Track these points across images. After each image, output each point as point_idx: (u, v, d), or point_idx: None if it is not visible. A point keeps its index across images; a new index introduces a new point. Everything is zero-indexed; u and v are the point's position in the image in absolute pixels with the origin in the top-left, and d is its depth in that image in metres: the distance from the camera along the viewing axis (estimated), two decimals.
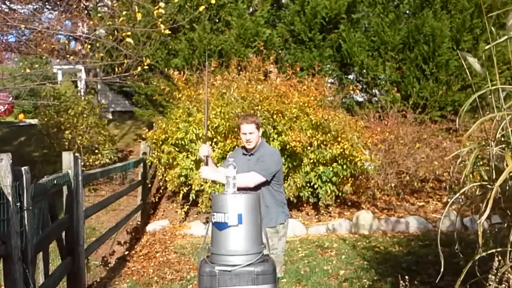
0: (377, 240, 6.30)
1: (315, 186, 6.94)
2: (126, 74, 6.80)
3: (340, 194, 7.23)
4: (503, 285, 2.40)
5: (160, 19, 6.10)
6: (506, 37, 2.63)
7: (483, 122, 2.68)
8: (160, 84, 8.60)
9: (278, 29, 10.00)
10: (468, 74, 3.77)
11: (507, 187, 2.62)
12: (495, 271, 2.35)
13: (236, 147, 4.38)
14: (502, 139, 2.71)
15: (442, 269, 2.63)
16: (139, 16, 6.07)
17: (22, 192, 2.92)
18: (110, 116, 15.66)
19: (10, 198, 2.76)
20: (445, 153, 7.26)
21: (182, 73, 7.97)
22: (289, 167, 6.84)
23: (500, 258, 2.45)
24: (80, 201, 4.31)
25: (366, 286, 4.43)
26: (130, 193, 7.39)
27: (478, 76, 7.77)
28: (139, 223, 7.26)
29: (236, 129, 6.68)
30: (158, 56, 9.65)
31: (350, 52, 9.56)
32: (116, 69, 6.95)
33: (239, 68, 8.19)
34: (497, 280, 2.36)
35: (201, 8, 6.88)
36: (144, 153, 7.80)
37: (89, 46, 7.26)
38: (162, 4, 5.83)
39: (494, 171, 2.70)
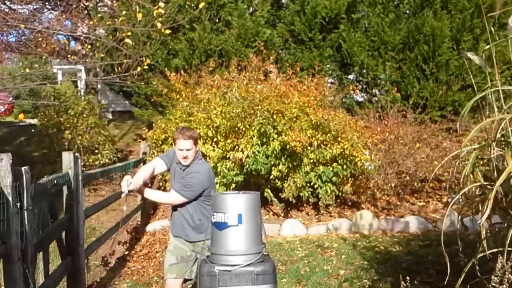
0: (377, 240, 6.30)
1: (315, 186, 6.94)
2: (126, 74, 6.80)
3: (340, 194, 7.23)
4: (504, 286, 2.40)
5: (160, 19, 6.09)
6: (506, 37, 2.63)
7: (484, 123, 2.68)
8: (158, 84, 8.60)
9: (278, 29, 10.00)
10: (470, 73, 3.77)
11: (507, 187, 2.62)
12: (498, 273, 2.35)
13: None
14: (502, 139, 2.71)
15: (447, 269, 2.63)
16: (139, 16, 6.07)
17: (22, 192, 2.91)
18: (110, 116, 15.65)
19: (10, 198, 2.76)
20: (445, 153, 7.25)
21: (180, 74, 7.97)
22: (289, 167, 6.84)
23: (501, 258, 2.45)
24: (80, 201, 4.31)
25: (366, 286, 4.43)
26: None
27: (479, 76, 7.78)
28: (139, 223, 7.26)
29: (236, 128, 6.69)
30: (158, 56, 9.65)
31: (350, 52, 9.56)
32: (116, 69, 6.95)
33: (239, 68, 8.19)
34: (498, 280, 2.36)
35: (201, 5, 6.88)
36: (144, 153, 7.80)
37: (89, 46, 7.26)
38: (161, 4, 5.83)
39: (494, 171, 2.70)
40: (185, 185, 3.32)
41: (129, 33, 6.20)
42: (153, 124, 8.03)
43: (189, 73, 8.27)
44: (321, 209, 7.30)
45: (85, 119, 9.13)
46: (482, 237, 2.46)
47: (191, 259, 3.48)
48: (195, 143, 3.36)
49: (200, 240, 3.27)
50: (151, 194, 3.52)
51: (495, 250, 2.61)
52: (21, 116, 19.45)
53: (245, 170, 6.69)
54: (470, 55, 2.85)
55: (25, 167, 2.99)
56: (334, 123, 6.63)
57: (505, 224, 2.94)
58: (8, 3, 8.92)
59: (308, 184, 6.97)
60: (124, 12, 7.24)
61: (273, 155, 6.64)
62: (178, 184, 3.35)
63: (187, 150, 3.29)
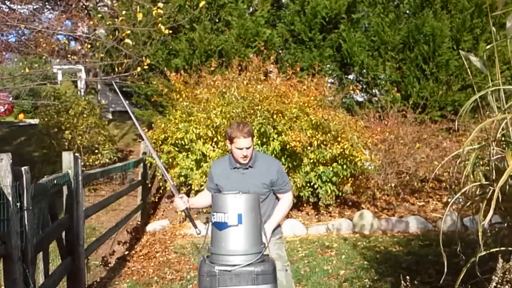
0: (377, 240, 6.30)
1: (315, 186, 6.94)
2: (126, 74, 6.79)
3: (340, 194, 7.23)
4: (505, 286, 2.39)
5: (160, 19, 6.09)
6: (506, 37, 2.62)
7: (485, 123, 2.68)
8: (159, 84, 8.60)
9: (278, 29, 10.00)
10: (469, 73, 3.77)
11: (507, 187, 2.62)
12: (498, 272, 2.35)
13: (215, 161, 3.76)
14: (503, 138, 2.71)
15: (445, 269, 2.63)
16: (139, 17, 6.06)
17: (22, 192, 2.91)
18: (110, 116, 15.66)
19: (10, 198, 2.76)
20: (445, 153, 7.25)
21: (180, 74, 7.97)
22: (289, 167, 6.84)
23: (501, 258, 2.45)
24: (80, 201, 4.31)
25: (366, 286, 4.43)
26: (130, 193, 7.39)
27: (478, 76, 7.78)
28: (139, 223, 7.26)
29: None
30: (159, 56, 9.65)
31: (350, 52, 9.56)
32: (116, 69, 6.95)
33: (240, 68, 8.19)
34: (498, 280, 2.36)
35: (201, 4, 6.87)
36: (144, 153, 7.79)
37: (89, 46, 7.26)
38: (160, 4, 5.82)
39: (494, 171, 2.70)
40: (286, 183, 3.18)
41: (129, 32, 6.19)
42: (153, 124, 8.03)
43: (189, 73, 8.27)
44: (321, 209, 7.30)
45: (85, 119, 9.13)
46: (482, 237, 2.46)
47: None
48: (253, 139, 3.12)
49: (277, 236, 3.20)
50: (278, 218, 3.20)
51: (495, 250, 2.61)
52: (21, 116, 19.45)
53: None
54: (469, 56, 2.85)
55: (25, 167, 2.99)
56: (334, 123, 6.63)
57: (505, 224, 2.95)
58: (8, 3, 8.92)
59: (308, 184, 6.97)
60: (124, 12, 7.23)
61: (273, 155, 6.63)
62: (279, 187, 3.13)
63: (248, 148, 3.03)
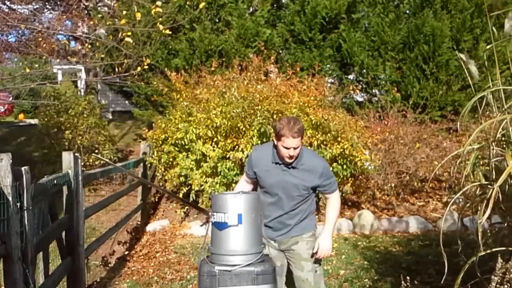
0: (377, 240, 6.30)
1: None
2: (126, 74, 6.80)
3: (340, 194, 7.22)
4: (505, 286, 2.39)
5: (160, 19, 6.09)
6: (506, 38, 2.63)
7: (485, 124, 2.68)
8: (159, 84, 8.61)
9: (278, 29, 10.00)
10: (468, 74, 3.77)
11: (507, 187, 2.62)
12: (498, 272, 2.35)
13: (258, 146, 3.61)
14: (503, 138, 2.71)
15: (446, 269, 2.63)
16: (138, 16, 6.05)
17: (22, 192, 2.91)
18: (110, 116, 15.67)
19: (10, 198, 2.76)
20: (445, 153, 7.26)
21: (181, 74, 7.97)
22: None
23: (501, 258, 2.45)
24: (80, 201, 4.31)
25: (366, 286, 4.43)
26: (130, 193, 7.39)
27: (478, 76, 7.77)
28: (139, 223, 7.26)
29: (236, 128, 6.69)
30: (159, 56, 9.65)
31: (350, 52, 9.56)
32: (116, 69, 6.95)
33: (240, 68, 8.20)
34: (498, 280, 2.36)
35: (201, 5, 6.87)
36: (144, 153, 7.80)
37: (89, 46, 7.26)
38: (159, 3, 5.80)
39: (494, 171, 2.70)
40: (333, 184, 3.02)
41: (129, 33, 6.19)
42: (153, 124, 8.03)
43: (189, 73, 8.27)
44: (321, 209, 7.30)
45: (85, 119, 9.14)
46: (481, 237, 2.46)
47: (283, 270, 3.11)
48: (302, 138, 2.87)
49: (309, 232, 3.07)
50: (334, 219, 3.13)
51: (495, 250, 2.61)
52: (21, 116, 19.46)
53: None
54: (465, 58, 2.86)
55: (25, 167, 2.99)
56: (334, 123, 6.63)
57: (505, 224, 2.95)
58: (8, 3, 8.93)
59: None
60: (124, 12, 7.24)
61: None
62: (326, 188, 2.98)
63: (295, 148, 2.80)
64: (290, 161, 2.86)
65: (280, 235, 3.03)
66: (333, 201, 3.08)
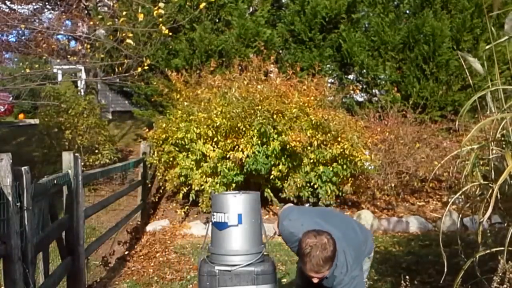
0: (377, 240, 6.30)
1: (315, 186, 6.94)
2: (126, 74, 6.80)
3: (340, 194, 7.22)
4: (505, 286, 2.40)
5: (161, 19, 6.09)
6: (506, 37, 2.62)
7: (483, 123, 2.68)
8: (159, 84, 8.61)
9: (278, 29, 10.00)
10: (468, 74, 3.78)
11: (507, 187, 2.62)
12: (498, 272, 2.35)
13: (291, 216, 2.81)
14: (502, 138, 2.71)
15: (445, 269, 2.63)
16: (140, 17, 6.06)
17: (22, 192, 2.91)
18: (110, 116, 15.67)
19: (10, 198, 2.76)
20: (445, 153, 7.25)
21: (181, 74, 7.97)
22: (289, 167, 6.84)
23: (501, 258, 2.45)
24: (80, 201, 4.31)
25: (366, 286, 4.43)
26: (130, 193, 7.39)
27: (478, 76, 7.77)
28: (139, 223, 7.26)
29: (237, 128, 6.69)
30: (159, 56, 9.65)
31: (350, 52, 9.56)
32: (116, 69, 6.95)
33: (240, 68, 8.20)
34: (498, 280, 2.36)
35: (202, 6, 6.87)
36: (144, 153, 7.80)
37: (89, 46, 7.26)
38: (161, 4, 5.81)
39: (493, 171, 2.70)
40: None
41: (130, 34, 6.19)
42: (154, 124, 8.03)
43: (189, 73, 8.27)
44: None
45: (86, 119, 9.13)
46: (481, 237, 2.46)
47: None
48: (332, 264, 2.39)
49: None
50: None
51: (495, 250, 2.61)
52: (21, 116, 19.47)
53: (245, 170, 6.70)
54: (466, 56, 2.86)
55: (25, 167, 2.99)
56: (334, 123, 6.63)
57: (505, 224, 2.95)
58: (8, 3, 8.93)
59: (308, 184, 6.97)
60: (124, 13, 7.23)
61: (273, 155, 6.64)
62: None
63: (318, 278, 2.42)
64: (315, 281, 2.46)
65: None
66: None
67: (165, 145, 7.07)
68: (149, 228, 7.15)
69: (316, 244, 2.31)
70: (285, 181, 6.88)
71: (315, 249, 2.31)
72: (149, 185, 8.22)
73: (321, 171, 6.85)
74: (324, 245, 2.33)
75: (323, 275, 2.39)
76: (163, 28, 5.99)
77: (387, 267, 4.93)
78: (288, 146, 6.57)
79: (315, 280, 2.42)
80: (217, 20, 9.97)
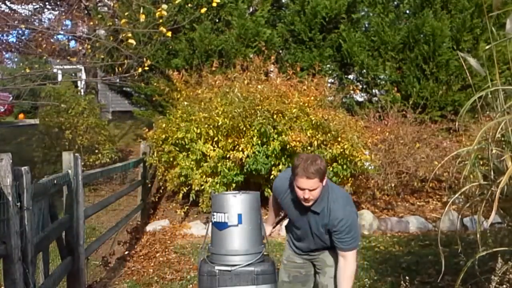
0: (377, 240, 6.30)
1: None
2: (127, 74, 6.80)
3: None
4: (504, 286, 2.40)
5: (161, 20, 6.09)
6: (506, 38, 2.62)
7: (484, 124, 2.68)
8: (160, 84, 8.61)
9: (278, 29, 9.99)
10: (468, 74, 3.78)
11: (506, 187, 2.62)
12: (498, 272, 2.35)
13: (282, 174, 3.12)
14: (502, 139, 2.71)
15: (443, 269, 2.63)
16: (142, 18, 6.05)
17: (22, 192, 2.91)
18: (110, 116, 15.67)
19: (10, 198, 2.76)
20: (445, 153, 7.26)
21: (181, 73, 7.98)
22: (289, 167, 6.83)
23: (501, 258, 2.45)
24: (80, 201, 4.31)
25: (366, 286, 4.43)
26: (130, 193, 7.40)
27: (478, 76, 7.78)
28: (139, 223, 7.26)
29: (238, 128, 6.69)
30: (159, 56, 9.65)
31: (350, 52, 9.55)
32: (117, 70, 6.95)
33: (241, 68, 8.20)
34: (498, 280, 2.36)
35: (203, 10, 6.88)
36: (144, 153, 7.80)
37: (88, 46, 7.26)
38: (164, 6, 5.80)
39: (493, 171, 2.70)
40: (351, 241, 2.61)
41: (130, 34, 6.19)
42: (154, 124, 8.03)
43: (190, 73, 8.27)
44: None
45: (86, 119, 9.14)
46: (481, 237, 2.46)
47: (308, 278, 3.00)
48: (322, 180, 2.52)
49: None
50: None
51: (495, 250, 2.61)
52: (21, 116, 19.48)
53: (245, 170, 6.70)
54: (466, 57, 2.86)
55: (25, 167, 2.99)
56: (334, 123, 6.63)
57: (505, 224, 2.95)
58: (8, 3, 8.93)
59: None
60: (126, 13, 7.22)
61: (273, 155, 6.64)
62: (342, 245, 2.60)
63: (310, 190, 2.51)
64: (307, 204, 2.58)
65: (308, 254, 2.98)
66: (346, 265, 2.61)
67: (165, 145, 7.07)
68: (149, 228, 7.15)
69: (308, 157, 2.53)
70: None
71: (306, 159, 2.51)
72: (149, 185, 8.23)
73: None
74: (315, 157, 2.53)
75: (316, 185, 2.48)
76: (164, 29, 5.98)
77: (387, 267, 4.93)
78: (288, 146, 6.57)
79: (306, 195, 2.51)
80: (217, 20, 9.97)
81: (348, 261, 2.61)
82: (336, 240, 2.63)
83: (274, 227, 3.27)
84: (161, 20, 5.95)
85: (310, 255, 2.96)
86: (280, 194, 2.82)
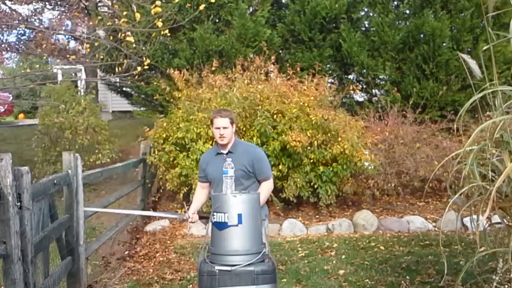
0: (377, 240, 6.30)
1: (315, 186, 6.94)
2: (126, 74, 6.80)
3: (340, 193, 7.22)
4: (505, 286, 2.40)
5: (160, 19, 6.09)
6: (505, 38, 2.63)
7: (484, 125, 2.68)
8: (160, 84, 8.60)
9: (278, 29, 9.99)
10: (468, 74, 3.77)
11: (505, 187, 2.62)
12: (498, 272, 2.35)
13: (211, 149, 3.95)
14: (501, 139, 2.71)
15: (445, 269, 2.64)
16: (138, 17, 6.05)
17: (22, 192, 2.92)
18: (110, 116, 15.66)
19: (10, 198, 2.76)
20: (445, 153, 7.25)
21: (182, 73, 7.98)
22: (289, 167, 6.84)
23: (501, 258, 2.46)
24: (80, 201, 4.31)
25: (366, 286, 4.43)
26: (130, 193, 7.39)
27: (481, 74, 7.77)
28: (139, 223, 7.26)
29: (238, 128, 6.68)
30: (158, 56, 9.64)
31: (350, 52, 9.55)
32: (116, 69, 6.95)
33: (242, 68, 8.20)
34: (499, 280, 2.36)
35: (201, 7, 6.87)
36: (144, 153, 7.80)
37: (87, 46, 7.26)
38: (158, 2, 5.79)
39: (492, 171, 2.70)
40: (267, 169, 3.43)
41: (129, 33, 6.19)
42: (154, 123, 8.03)
43: (190, 73, 8.27)
44: (321, 209, 7.30)
45: (86, 119, 9.13)
46: (480, 237, 2.46)
47: None
48: (232, 123, 3.36)
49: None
50: (263, 199, 3.38)
51: (495, 250, 2.61)
52: (21, 116, 19.47)
53: None
54: (466, 58, 2.86)
55: (25, 167, 2.99)
56: (334, 123, 6.63)
57: (505, 224, 2.95)
58: (8, 3, 8.93)
59: (308, 184, 6.97)
60: (125, 13, 7.23)
61: (273, 155, 6.64)
62: (261, 172, 3.37)
63: (224, 128, 3.31)
64: (223, 141, 3.32)
65: None
66: (265, 186, 3.42)
67: (166, 144, 7.07)
68: (149, 228, 7.15)
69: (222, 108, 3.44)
70: (285, 181, 6.88)
71: (223, 109, 3.74)
72: (149, 185, 8.22)
73: (321, 171, 6.86)
74: (227, 109, 3.61)
75: (227, 124, 3.29)
76: (160, 24, 5.97)
77: (387, 267, 4.93)
78: (288, 146, 6.57)
79: (222, 132, 3.28)
80: (217, 20, 9.96)
81: (268, 184, 3.42)
82: (258, 171, 3.36)
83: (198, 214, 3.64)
84: (159, 18, 5.96)
85: None
86: (204, 161, 3.55)
